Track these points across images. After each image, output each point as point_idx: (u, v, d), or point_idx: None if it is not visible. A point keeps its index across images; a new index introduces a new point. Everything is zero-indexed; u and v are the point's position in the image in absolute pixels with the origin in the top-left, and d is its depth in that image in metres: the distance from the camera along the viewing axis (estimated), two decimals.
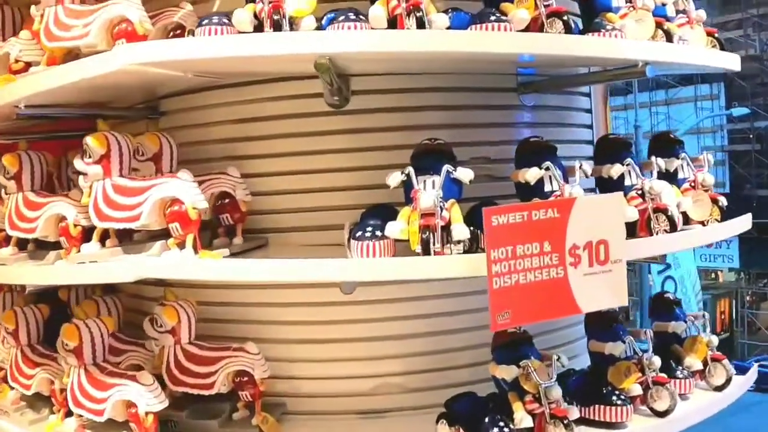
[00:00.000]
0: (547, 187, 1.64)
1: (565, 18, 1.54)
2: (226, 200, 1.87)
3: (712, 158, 1.86)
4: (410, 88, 1.88)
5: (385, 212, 1.59)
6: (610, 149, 1.85)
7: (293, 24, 1.54)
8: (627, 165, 1.76)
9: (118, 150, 1.79)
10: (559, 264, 1.48)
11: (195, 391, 1.84)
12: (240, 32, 1.56)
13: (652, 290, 7.84)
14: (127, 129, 1.93)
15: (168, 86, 2.01)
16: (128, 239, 1.86)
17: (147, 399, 1.74)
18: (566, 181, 1.62)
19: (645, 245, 1.58)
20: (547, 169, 1.63)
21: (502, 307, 1.46)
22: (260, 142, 1.95)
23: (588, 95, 2.15)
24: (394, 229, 1.51)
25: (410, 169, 1.55)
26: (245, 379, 1.82)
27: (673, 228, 1.64)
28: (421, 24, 1.50)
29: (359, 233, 1.54)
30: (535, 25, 1.57)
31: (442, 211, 1.50)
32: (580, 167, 1.66)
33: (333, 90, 1.79)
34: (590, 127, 2.12)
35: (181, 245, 1.67)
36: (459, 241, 1.50)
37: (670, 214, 1.64)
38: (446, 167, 1.54)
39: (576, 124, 2.07)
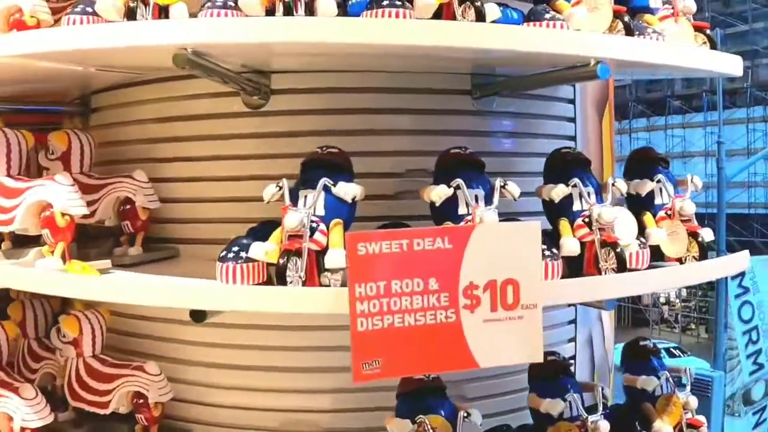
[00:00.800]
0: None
1: (478, 4, 1.21)
2: (128, 206, 1.64)
3: (700, 182, 1.48)
4: (338, 87, 1.59)
5: (273, 229, 1.30)
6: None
7: (163, 13, 1.31)
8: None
9: (5, 147, 1.61)
10: (449, 306, 1.16)
11: (91, 409, 1.67)
12: (106, 21, 1.33)
13: (732, 310, 7.15)
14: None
15: (99, 81, 1.79)
16: None
17: (24, 414, 1.57)
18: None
19: (572, 288, 1.24)
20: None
21: (369, 355, 1.14)
22: (177, 144, 1.70)
23: (572, 102, 1.78)
24: (258, 250, 1.23)
25: (284, 182, 1.26)
26: (141, 401, 1.64)
27: (622, 268, 1.28)
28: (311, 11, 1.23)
29: (224, 253, 1.26)
30: (448, 12, 1.24)
31: (313, 232, 1.19)
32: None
33: (249, 88, 1.52)
34: (573, 138, 1.76)
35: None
36: (335, 270, 1.19)
37: (619, 250, 1.28)
38: (323, 181, 1.24)
39: (550, 134, 1.71)
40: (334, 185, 1.25)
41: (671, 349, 13.93)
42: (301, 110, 1.59)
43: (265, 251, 1.23)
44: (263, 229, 1.32)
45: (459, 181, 1.27)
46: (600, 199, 1.39)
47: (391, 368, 1.16)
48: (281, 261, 1.19)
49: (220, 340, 1.67)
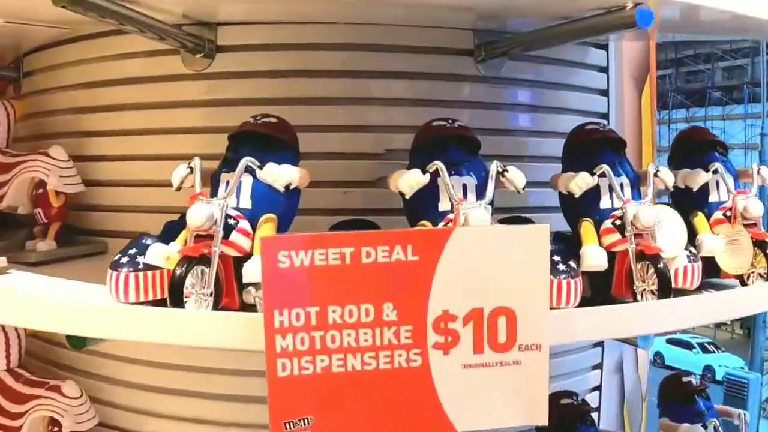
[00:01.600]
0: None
1: None
2: (41, 190, 1.28)
3: None
4: (302, 44, 1.20)
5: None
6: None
7: None
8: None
9: None
10: (413, 344, 0.77)
11: None
12: None
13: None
14: None
15: (29, 38, 1.44)
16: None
17: None
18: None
19: (594, 320, 0.84)
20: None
21: (294, 410, 0.79)
22: (106, 114, 1.33)
23: (604, 70, 1.38)
24: (157, 255, 0.88)
25: (196, 162, 0.88)
26: (56, 429, 1.29)
27: (665, 290, 0.88)
28: None
29: (118, 257, 0.91)
30: None
31: (229, 232, 0.82)
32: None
33: (190, 45, 1.15)
34: (605, 116, 1.36)
35: None
36: (260, 286, 0.83)
37: (661, 265, 0.88)
38: (245, 162, 0.86)
39: (575, 110, 1.32)
40: (261, 166, 0.87)
41: (706, 345, 13.35)
42: (256, 72, 1.22)
43: (165, 256, 0.87)
44: (177, 225, 0.95)
45: (438, 164, 0.88)
46: (637, 195, 1.00)
47: (325, 430, 0.77)
48: (178, 271, 0.82)
49: (159, 358, 1.30)
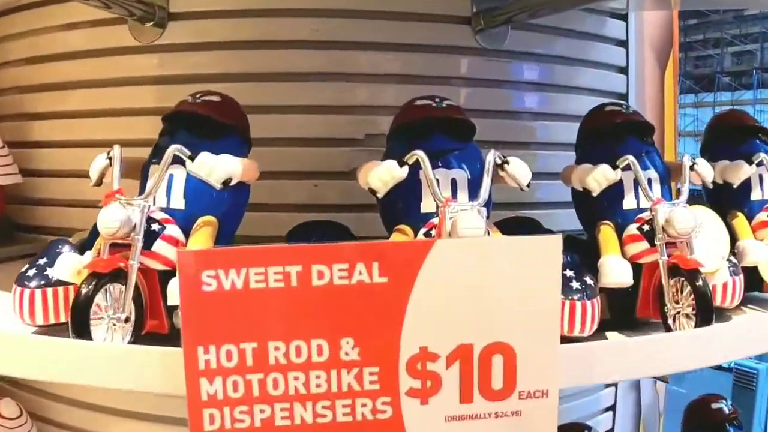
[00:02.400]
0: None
1: None
2: None
3: None
4: (266, 9, 0.99)
5: None
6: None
7: None
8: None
9: None
10: (380, 391, 0.57)
11: None
12: None
13: None
14: None
15: None
16: None
17: None
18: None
19: (616, 359, 0.63)
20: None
21: None
22: (49, 93, 1.11)
23: (623, 44, 1.16)
24: (62, 268, 0.69)
25: (116, 150, 0.68)
26: None
27: (705, 315, 0.68)
28: None
29: (25, 269, 0.73)
30: None
31: (152, 240, 0.64)
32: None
33: (138, 12, 0.95)
34: (623, 97, 1.15)
35: None
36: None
37: (700, 283, 0.68)
38: (172, 150, 0.65)
39: (590, 89, 1.10)
40: (193, 156, 0.66)
41: None
42: (214, 43, 1.01)
43: (76, 269, 0.68)
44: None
45: (419, 154, 0.68)
46: (667, 193, 0.79)
47: None
48: (83, 291, 0.62)
49: None
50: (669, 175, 0.83)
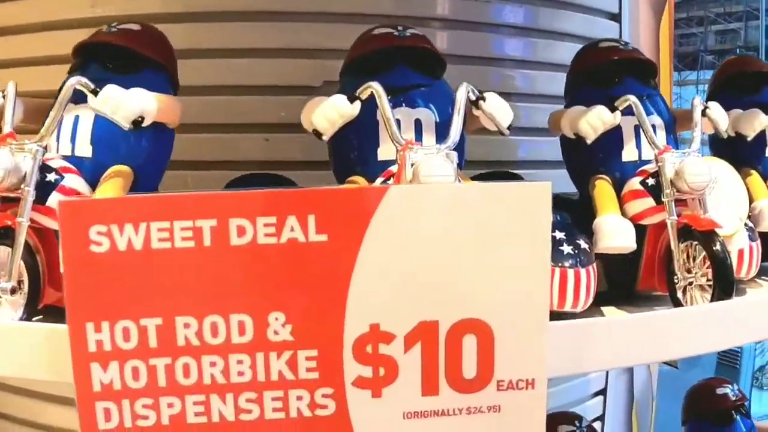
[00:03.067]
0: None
1: None
2: None
3: None
4: None
5: None
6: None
7: None
8: None
9: None
10: (320, 381, 0.44)
11: None
12: None
13: None
14: None
15: None
16: None
17: None
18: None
19: (618, 338, 0.49)
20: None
21: None
22: None
23: None
24: None
25: (9, 87, 0.57)
26: None
27: (724, 286, 0.54)
28: None
29: None
30: None
31: (46, 193, 0.53)
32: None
33: None
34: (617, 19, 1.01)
35: None
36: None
37: (717, 247, 0.54)
38: (72, 82, 0.51)
39: (580, 36, 0.97)
40: (96, 91, 0.52)
41: None
42: None
43: None
44: None
45: (373, 86, 0.54)
46: (673, 143, 0.66)
47: None
48: None
49: None
50: (674, 124, 0.69)
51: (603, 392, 1.06)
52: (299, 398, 0.45)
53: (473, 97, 0.56)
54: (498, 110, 0.56)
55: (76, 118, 0.57)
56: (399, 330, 0.45)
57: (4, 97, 0.57)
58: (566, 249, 0.56)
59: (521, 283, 0.46)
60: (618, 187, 0.64)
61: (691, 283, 0.59)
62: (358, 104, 0.55)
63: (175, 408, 0.45)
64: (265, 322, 0.44)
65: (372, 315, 0.45)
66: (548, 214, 0.45)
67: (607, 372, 1.04)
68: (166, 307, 0.44)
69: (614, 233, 0.59)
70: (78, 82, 0.53)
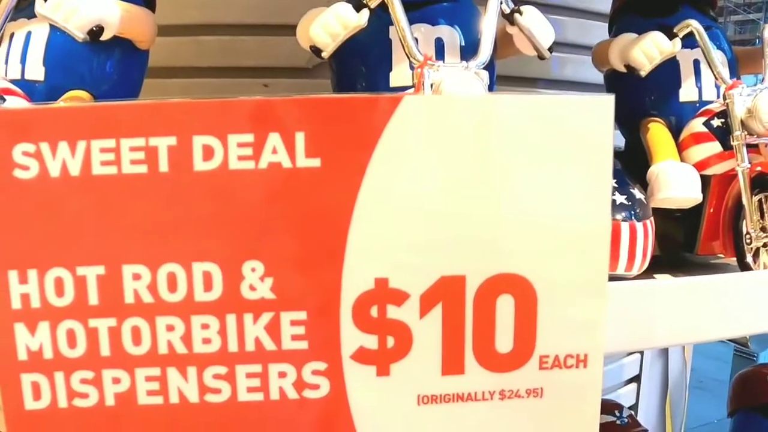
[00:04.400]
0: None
1: None
2: None
3: None
4: None
5: None
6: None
7: None
8: None
9: None
10: (311, 353, 0.31)
11: None
12: None
13: None
14: None
15: None
16: None
17: None
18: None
19: (687, 309, 0.38)
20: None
21: None
22: None
23: None
24: None
25: None
26: None
27: None
28: None
29: None
30: None
31: None
32: None
33: None
34: None
35: None
36: None
37: None
38: None
39: None
40: None
41: None
42: None
43: None
44: None
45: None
46: (734, 74, 0.55)
47: None
48: None
49: None
50: (736, 62, 0.58)
51: (637, 379, 0.95)
52: (282, 375, 0.34)
53: (507, 10, 0.44)
54: (537, 26, 0.45)
55: (28, 34, 0.46)
56: (413, 287, 0.34)
57: None
58: (618, 198, 0.45)
59: (574, 229, 0.35)
60: (675, 132, 0.53)
61: (765, 245, 0.48)
62: (365, 13, 0.43)
63: (122, 384, 0.34)
64: (238, 275, 0.33)
65: (378, 267, 0.33)
66: (610, 137, 0.34)
67: (642, 357, 0.93)
68: (111, 253, 0.33)
69: (675, 181, 0.48)
70: None
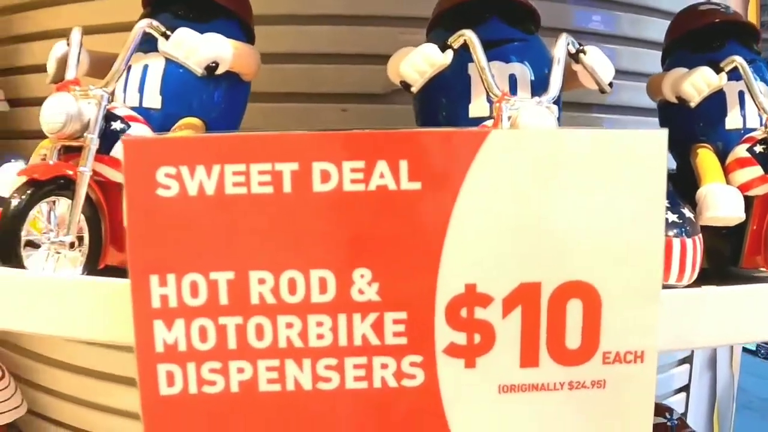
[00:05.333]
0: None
1: None
2: None
3: None
4: None
5: None
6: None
7: None
8: None
9: None
10: (409, 347, 0.38)
11: None
12: None
13: None
14: None
15: None
16: None
17: None
18: None
19: (733, 312, 0.42)
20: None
21: None
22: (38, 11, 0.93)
23: None
24: (2, 182, 0.51)
25: (74, 33, 0.52)
26: None
27: None
28: None
29: None
30: None
31: (111, 142, 0.47)
32: None
33: None
34: None
35: None
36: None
37: None
38: (143, 24, 0.47)
39: None
40: (167, 35, 0.48)
41: None
42: None
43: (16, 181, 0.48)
44: None
45: (467, 34, 0.48)
46: None
47: None
48: (12, 204, 0.46)
49: None
50: None
51: (686, 389, 0.99)
52: (384, 366, 0.40)
53: (573, 50, 0.50)
54: (599, 64, 0.50)
55: (145, 67, 0.52)
56: (497, 292, 0.39)
57: (68, 44, 0.53)
58: (671, 217, 0.50)
59: (632, 243, 0.40)
60: (721, 156, 0.58)
61: None
62: (450, 53, 0.49)
63: (245, 374, 0.40)
64: (349, 280, 0.39)
65: (468, 274, 0.39)
66: (664, 165, 0.39)
67: (691, 368, 0.97)
68: (240, 260, 0.39)
69: (721, 202, 0.53)
70: (149, 24, 0.49)
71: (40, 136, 0.91)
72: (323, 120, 0.78)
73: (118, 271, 0.49)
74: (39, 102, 0.90)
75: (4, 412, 0.93)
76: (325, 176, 0.37)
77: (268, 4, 0.62)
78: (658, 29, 0.78)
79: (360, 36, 0.78)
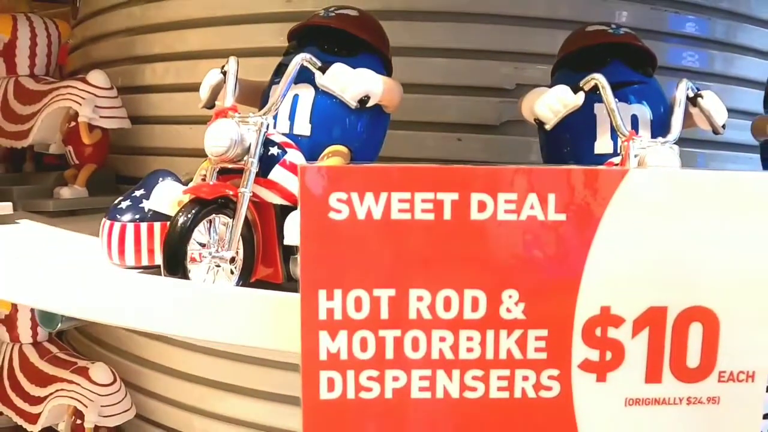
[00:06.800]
0: (602, 146, 0.59)
1: None
2: (72, 124, 0.97)
3: None
4: None
5: None
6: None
7: None
8: None
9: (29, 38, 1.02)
10: (548, 361, 0.43)
11: (19, 421, 1.02)
12: None
13: None
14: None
15: None
16: None
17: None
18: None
19: None
20: (596, 94, 0.56)
21: None
22: (165, 34, 0.99)
23: None
24: (159, 198, 0.57)
25: (231, 62, 0.56)
26: (78, 422, 0.99)
27: None
28: None
29: (119, 201, 0.61)
30: None
31: (270, 166, 0.54)
32: (695, 98, 0.57)
33: None
34: None
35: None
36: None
37: None
38: (300, 58, 0.52)
39: None
40: (324, 68, 0.53)
41: None
42: None
43: (176, 199, 0.54)
44: None
45: (598, 78, 0.52)
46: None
47: None
48: (179, 221, 0.50)
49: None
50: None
51: None
52: (525, 378, 0.44)
53: (691, 94, 0.54)
54: (715, 108, 0.54)
55: (295, 96, 0.57)
56: (629, 314, 0.43)
57: (224, 72, 0.58)
58: None
59: (750, 275, 0.44)
60: None
61: None
62: (581, 95, 0.54)
63: (400, 382, 0.44)
64: (498, 299, 0.43)
65: (604, 297, 0.43)
66: None
67: None
68: (401, 279, 0.43)
69: None
70: (305, 59, 0.54)
71: (162, 153, 0.98)
72: (440, 147, 0.82)
73: (265, 286, 0.54)
74: (159, 120, 0.97)
75: (113, 415, 0.99)
76: (482, 206, 0.42)
77: (390, 39, 0.66)
78: (750, 36, 0.81)
79: (475, 69, 0.82)
